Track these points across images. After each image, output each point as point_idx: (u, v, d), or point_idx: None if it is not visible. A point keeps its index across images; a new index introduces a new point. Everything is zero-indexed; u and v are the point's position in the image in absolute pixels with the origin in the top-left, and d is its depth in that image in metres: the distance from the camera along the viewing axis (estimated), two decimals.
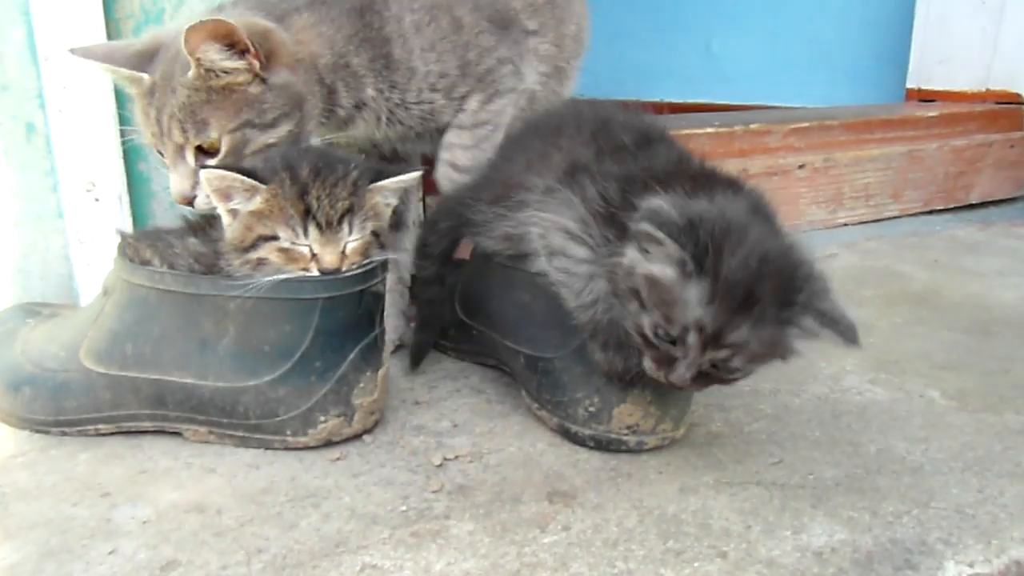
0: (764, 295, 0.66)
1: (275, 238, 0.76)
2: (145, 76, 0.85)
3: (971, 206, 2.04)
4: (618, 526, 0.69)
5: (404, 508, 0.72)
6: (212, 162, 0.82)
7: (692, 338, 0.68)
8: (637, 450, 0.81)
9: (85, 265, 1.09)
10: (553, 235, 0.78)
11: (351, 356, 0.80)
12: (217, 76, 0.81)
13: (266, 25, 0.83)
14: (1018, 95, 2.14)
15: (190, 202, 0.84)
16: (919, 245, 1.69)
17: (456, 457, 0.81)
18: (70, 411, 0.85)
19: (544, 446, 0.84)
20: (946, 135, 1.98)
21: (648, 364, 0.72)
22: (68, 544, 0.67)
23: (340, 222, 0.76)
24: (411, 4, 0.94)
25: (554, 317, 0.81)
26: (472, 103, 0.98)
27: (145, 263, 0.84)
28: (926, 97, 2.29)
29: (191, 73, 0.81)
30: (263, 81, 0.82)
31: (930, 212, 1.97)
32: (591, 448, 0.82)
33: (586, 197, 0.76)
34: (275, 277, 0.76)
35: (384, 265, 0.82)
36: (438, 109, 0.97)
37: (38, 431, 0.86)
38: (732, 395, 0.95)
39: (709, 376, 0.71)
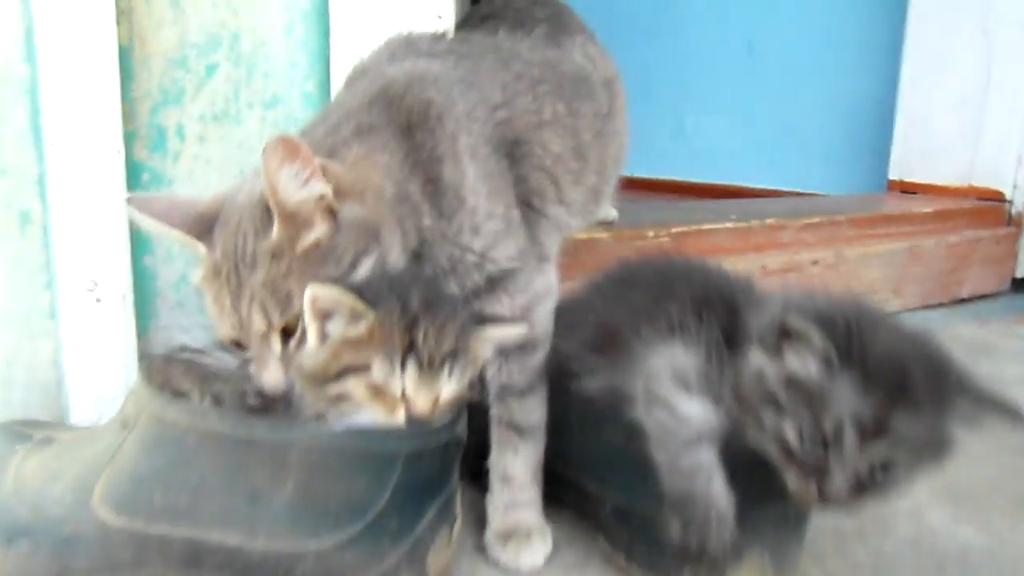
0: (916, 379, 0.61)
1: (367, 369, 0.65)
2: (204, 248, 0.73)
3: (962, 300, 2.05)
4: None
5: None
6: (293, 342, 0.70)
7: (848, 434, 0.62)
8: None
9: (79, 374, 0.95)
10: (659, 382, 0.69)
11: (429, 514, 0.69)
12: (300, 231, 0.69)
13: (321, 160, 0.72)
14: (1000, 193, 2.18)
15: (287, 394, 0.71)
16: None
17: None
18: (79, 572, 0.70)
19: None
20: (940, 231, 2.00)
21: (793, 481, 0.65)
22: None
23: (442, 364, 0.65)
24: (468, 125, 0.84)
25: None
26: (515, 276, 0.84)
27: (179, 394, 0.72)
28: (908, 189, 2.33)
29: (275, 233, 0.69)
30: (333, 218, 0.71)
31: (927, 307, 1.98)
32: None
33: (701, 347, 0.68)
34: (350, 421, 0.65)
35: (464, 410, 0.71)
36: (468, 264, 0.82)
37: None
38: (818, 538, 0.87)
39: (865, 487, 0.63)
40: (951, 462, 1.05)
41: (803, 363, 0.64)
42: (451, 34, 1.12)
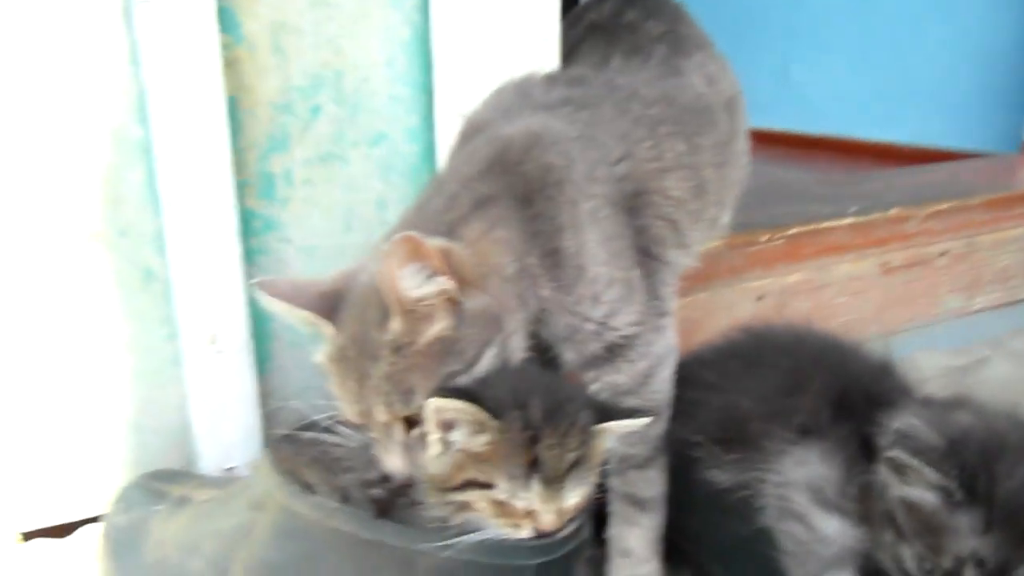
0: None
1: (489, 487, 0.64)
2: (329, 328, 0.72)
3: None
4: None
5: None
6: (416, 432, 0.69)
7: (969, 572, 0.58)
8: None
9: (206, 422, 0.99)
10: (795, 494, 0.66)
11: None
12: (421, 325, 0.68)
13: (443, 243, 0.70)
14: None
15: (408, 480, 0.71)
16: None
17: None
18: None
19: None
20: None
21: None
22: None
23: (566, 475, 0.64)
24: (589, 188, 0.79)
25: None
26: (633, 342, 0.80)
27: (306, 486, 0.73)
28: None
29: (395, 328, 0.67)
30: (456, 309, 0.69)
31: None
32: None
33: (837, 453, 0.64)
34: (478, 535, 0.65)
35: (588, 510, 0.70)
36: (586, 333, 0.79)
37: None
38: None
39: None
40: None
41: (921, 493, 0.60)
42: (555, 50, 1.07)
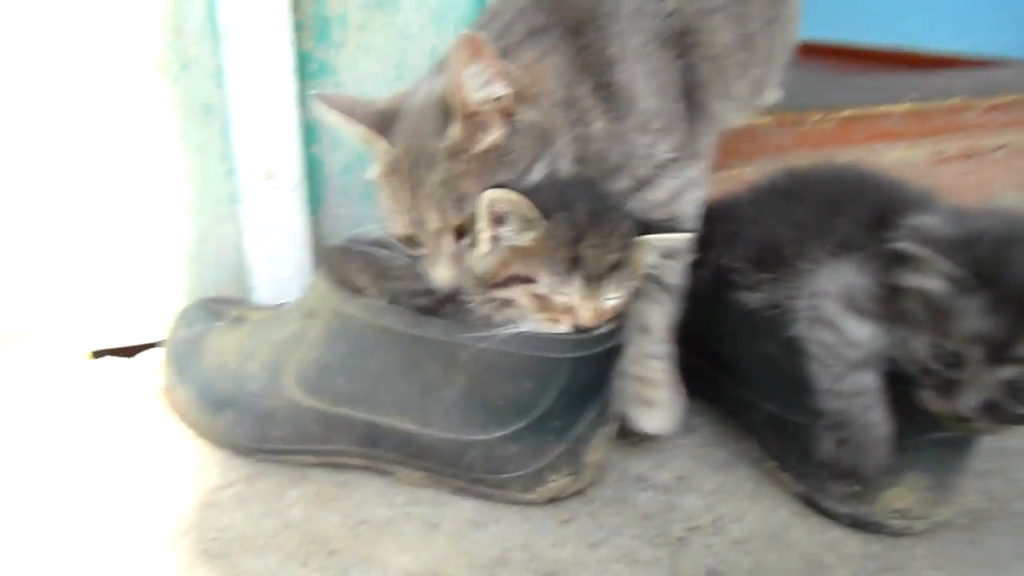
0: None
1: (532, 281, 0.67)
2: (386, 144, 0.74)
3: None
4: None
5: None
6: (465, 242, 0.72)
7: (973, 352, 0.61)
8: (900, 534, 0.73)
9: (261, 257, 1.03)
10: (828, 302, 0.68)
11: (589, 415, 0.72)
12: (478, 132, 0.70)
13: (502, 62, 0.71)
14: None
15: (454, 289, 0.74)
16: None
17: (696, 527, 0.73)
18: (276, 440, 0.80)
19: (787, 515, 0.76)
20: None
21: (928, 396, 0.65)
22: None
23: (606, 276, 0.66)
24: (638, 21, 0.80)
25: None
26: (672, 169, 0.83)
27: (357, 290, 0.78)
28: None
29: (454, 133, 0.70)
30: (510, 121, 0.71)
31: None
32: (844, 525, 0.74)
33: (873, 265, 0.65)
34: (517, 328, 0.68)
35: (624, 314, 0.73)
36: (638, 158, 0.81)
37: (240, 455, 0.82)
38: (981, 456, 0.85)
39: (1003, 410, 0.62)
40: None
41: (932, 281, 0.63)
42: None
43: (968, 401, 0.62)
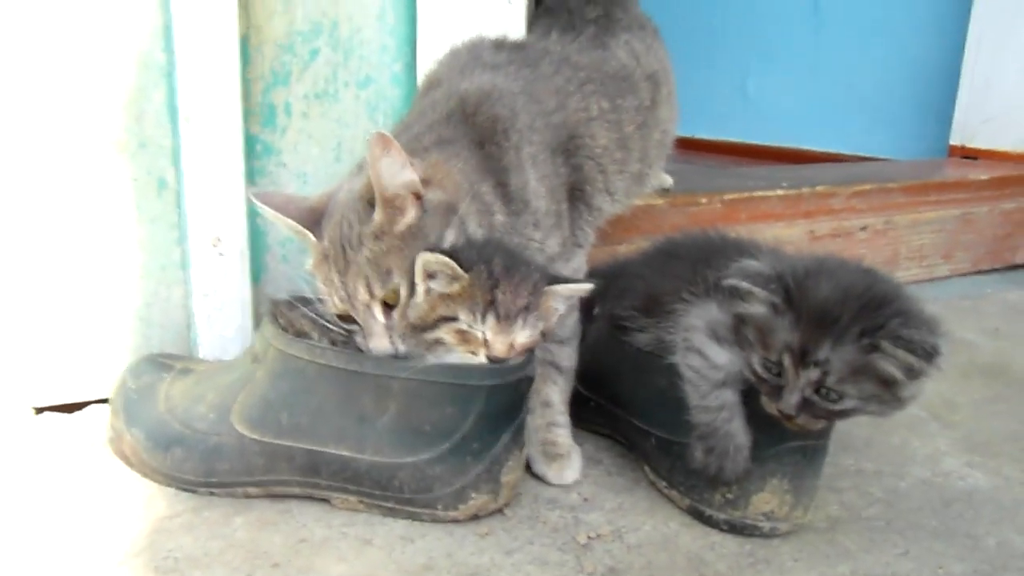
0: (842, 318, 0.75)
1: (455, 319, 0.80)
2: (313, 238, 0.87)
3: (1017, 266, 2.10)
4: None
5: None
6: (396, 312, 0.84)
7: (786, 360, 0.77)
8: (769, 535, 0.85)
9: (205, 317, 1.13)
10: (696, 334, 0.83)
11: (504, 438, 0.84)
12: (396, 216, 0.82)
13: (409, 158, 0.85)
14: None
15: (395, 355, 0.84)
16: (975, 310, 1.74)
17: (598, 536, 0.85)
18: (221, 473, 0.88)
19: (677, 526, 0.88)
20: (996, 198, 2.03)
21: (765, 401, 0.80)
22: None
23: (516, 317, 0.80)
24: (530, 136, 0.96)
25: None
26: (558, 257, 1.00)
27: (301, 334, 0.88)
28: (969, 154, 2.35)
29: (378, 217, 0.82)
30: (420, 202, 0.84)
31: (977, 272, 2.03)
32: (724, 531, 0.86)
33: (731, 308, 0.81)
34: (441, 358, 0.80)
35: (534, 352, 0.86)
36: (532, 249, 0.96)
37: (185, 490, 0.90)
38: (838, 476, 1.00)
39: (816, 406, 0.77)
40: (973, 417, 1.16)
41: (758, 307, 0.79)
42: (521, 16, 1.24)
43: (789, 400, 0.77)
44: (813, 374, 0.75)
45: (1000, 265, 2.08)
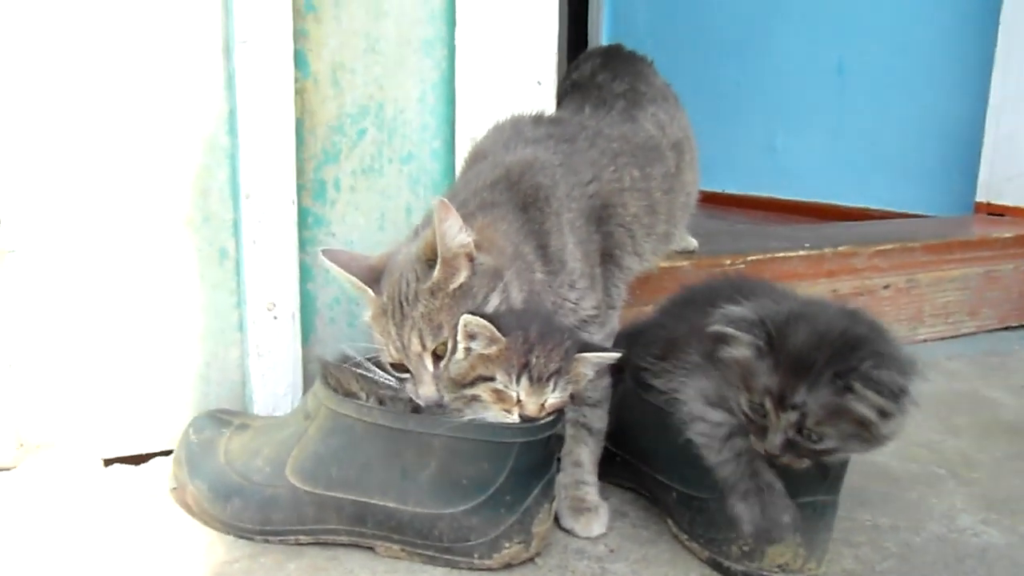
0: (817, 363, 0.80)
1: (492, 379, 0.88)
2: (371, 292, 0.96)
3: None
4: None
5: None
6: (442, 364, 0.92)
7: (767, 402, 0.82)
8: None
9: (260, 376, 1.22)
10: (694, 404, 0.91)
11: (535, 491, 0.91)
12: (451, 275, 0.91)
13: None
14: None
15: (439, 404, 0.93)
16: (1001, 367, 1.76)
17: None
18: (276, 522, 0.96)
19: (696, 575, 0.93)
20: (1021, 255, 2.06)
21: (755, 441, 0.86)
22: None
23: (548, 380, 0.87)
24: (568, 203, 1.06)
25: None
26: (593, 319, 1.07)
27: (350, 394, 0.97)
28: (996, 211, 2.39)
29: (437, 274, 0.91)
30: (472, 265, 0.93)
31: (1005, 328, 2.05)
32: None
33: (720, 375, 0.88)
34: (477, 416, 0.88)
35: (563, 411, 0.93)
36: (566, 309, 1.05)
37: (242, 537, 0.97)
38: (855, 530, 1.04)
39: (799, 446, 0.82)
40: (992, 474, 1.19)
41: (742, 352, 0.85)
42: (551, 95, 1.35)
43: (774, 440, 0.82)
44: (792, 416, 0.81)
45: None
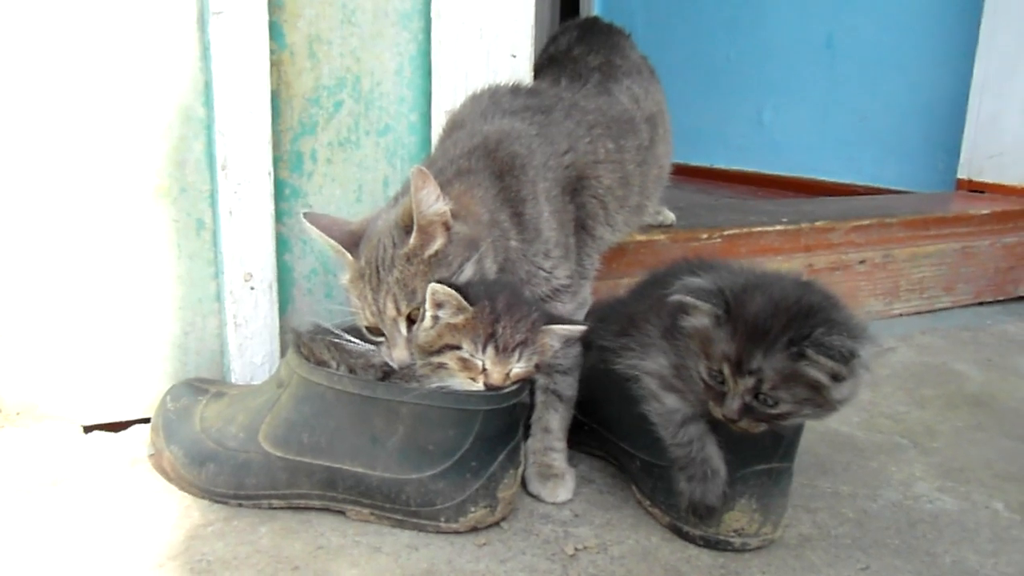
0: (772, 330, 0.83)
1: (458, 348, 0.90)
2: (350, 256, 0.98)
3: (1019, 298, 2.15)
4: None
5: None
6: (416, 327, 0.94)
7: (726, 368, 0.85)
8: (741, 550, 0.93)
9: (237, 345, 1.24)
10: (649, 381, 0.94)
11: (500, 457, 0.93)
12: (427, 241, 0.93)
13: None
14: None
15: (408, 366, 0.95)
16: (972, 341, 1.79)
17: (585, 548, 0.93)
18: (249, 487, 0.99)
19: (658, 540, 0.96)
20: (998, 232, 2.09)
21: (713, 407, 0.88)
22: None
23: (514, 350, 0.89)
24: (544, 173, 1.07)
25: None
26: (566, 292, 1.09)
27: (321, 363, 0.99)
28: (976, 188, 2.41)
29: (412, 241, 0.93)
30: (448, 232, 0.95)
31: (980, 304, 2.08)
32: (700, 546, 0.95)
33: (679, 346, 0.90)
34: (444, 384, 0.90)
35: (530, 381, 0.95)
36: (540, 278, 1.07)
37: (217, 502, 1.00)
38: (815, 497, 1.07)
39: (756, 411, 0.85)
40: (952, 444, 1.22)
41: (701, 320, 0.87)
42: (527, 68, 1.36)
43: (731, 405, 0.85)
44: (749, 382, 0.84)
45: (1003, 297, 2.13)
